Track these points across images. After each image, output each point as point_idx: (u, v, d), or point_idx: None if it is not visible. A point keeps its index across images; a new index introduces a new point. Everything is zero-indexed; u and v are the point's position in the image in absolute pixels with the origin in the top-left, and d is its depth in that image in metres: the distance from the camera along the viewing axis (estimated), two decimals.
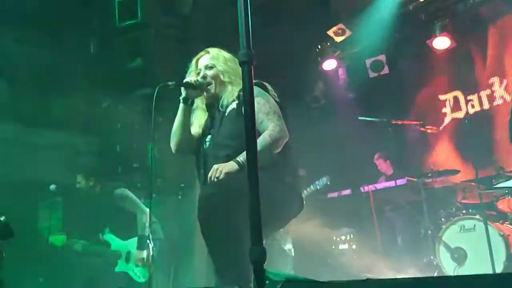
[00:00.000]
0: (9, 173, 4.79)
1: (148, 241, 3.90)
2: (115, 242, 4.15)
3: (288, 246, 3.94)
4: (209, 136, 2.28)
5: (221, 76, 2.29)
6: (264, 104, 2.14)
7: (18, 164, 5.02)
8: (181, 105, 2.31)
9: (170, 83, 2.29)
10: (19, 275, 4.30)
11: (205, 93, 2.32)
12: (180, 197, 4.14)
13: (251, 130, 1.46)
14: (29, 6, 4.58)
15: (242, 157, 2.02)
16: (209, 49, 2.38)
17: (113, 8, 4.38)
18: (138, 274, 3.94)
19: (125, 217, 4.13)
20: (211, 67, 2.32)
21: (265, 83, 2.25)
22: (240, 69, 2.21)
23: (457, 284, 0.86)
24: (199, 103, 2.38)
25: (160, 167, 4.56)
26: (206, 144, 2.28)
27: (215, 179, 2.01)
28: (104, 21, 4.64)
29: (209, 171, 2.12)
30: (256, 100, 2.00)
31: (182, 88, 2.28)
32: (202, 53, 2.38)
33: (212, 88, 2.30)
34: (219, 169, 2.02)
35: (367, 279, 1.05)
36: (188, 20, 4.72)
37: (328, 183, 4.24)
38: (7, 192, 4.38)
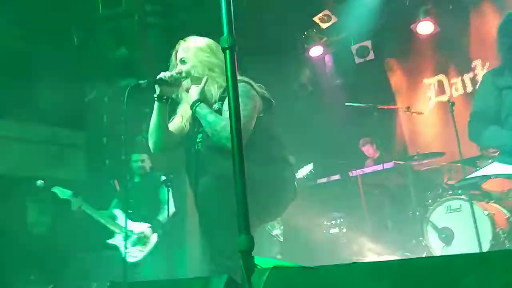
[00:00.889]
0: None
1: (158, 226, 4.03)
2: (120, 218, 4.15)
3: (276, 232, 3.98)
4: (200, 136, 2.16)
5: (192, 71, 2.17)
6: (241, 102, 2.10)
7: (3, 159, 4.95)
8: (156, 103, 2.18)
9: (141, 81, 2.15)
10: (9, 273, 4.28)
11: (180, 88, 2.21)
12: (169, 188, 4.14)
13: (235, 120, 1.44)
14: None
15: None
16: (183, 40, 2.24)
17: None
18: (132, 254, 3.94)
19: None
20: (184, 61, 2.20)
21: (249, 81, 2.13)
22: (219, 58, 2.19)
23: (441, 263, 0.89)
24: (185, 96, 2.25)
25: (149, 157, 4.53)
26: (198, 145, 2.16)
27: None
28: (86, 9, 4.54)
29: (202, 173, 2.07)
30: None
31: (156, 85, 2.16)
32: (177, 45, 2.25)
33: (188, 83, 2.19)
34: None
35: (354, 263, 1.07)
36: (173, 7, 4.64)
37: (312, 170, 4.27)
38: None
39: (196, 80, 2.18)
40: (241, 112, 1.43)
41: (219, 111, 2.10)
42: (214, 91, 2.16)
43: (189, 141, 2.24)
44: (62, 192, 4.02)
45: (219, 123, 2.01)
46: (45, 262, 4.63)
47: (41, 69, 5.04)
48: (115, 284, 1.85)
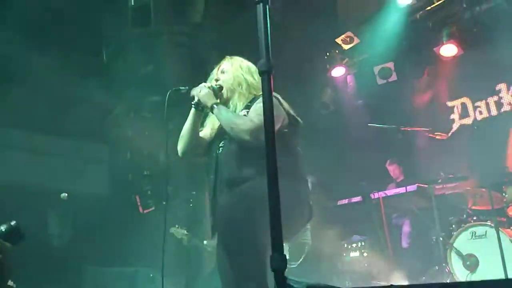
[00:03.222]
0: (18, 180, 4.84)
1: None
2: None
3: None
4: (222, 142, 2.27)
5: (231, 82, 2.30)
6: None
7: (28, 171, 5.07)
8: (192, 110, 2.31)
9: (182, 88, 2.32)
10: (28, 285, 4.33)
11: (218, 99, 2.33)
12: (191, 204, 4.17)
13: (270, 139, 1.48)
14: (41, 13, 4.65)
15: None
16: (230, 57, 2.41)
17: (126, 15, 4.44)
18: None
19: None
20: (223, 72, 2.36)
21: (277, 96, 2.22)
22: (255, 81, 2.30)
23: None
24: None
25: (171, 174, 4.58)
26: (219, 150, 2.26)
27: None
28: (116, 28, 4.70)
29: (220, 177, 2.14)
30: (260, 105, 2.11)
31: (198, 91, 2.27)
32: (223, 60, 2.42)
33: (224, 94, 2.32)
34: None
35: (391, 285, 1.06)
36: (200, 27, 4.77)
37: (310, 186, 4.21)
38: (17, 198, 4.42)
39: (230, 91, 2.31)
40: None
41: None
42: (239, 105, 2.28)
43: (213, 148, 2.33)
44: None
45: (236, 119, 2.13)
46: (64, 275, 4.67)
47: (69, 83, 5.20)
48: None
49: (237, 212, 2.00)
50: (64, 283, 4.60)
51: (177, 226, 4.22)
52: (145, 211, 4.84)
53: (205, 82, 2.35)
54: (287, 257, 3.97)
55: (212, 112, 2.21)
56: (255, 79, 2.29)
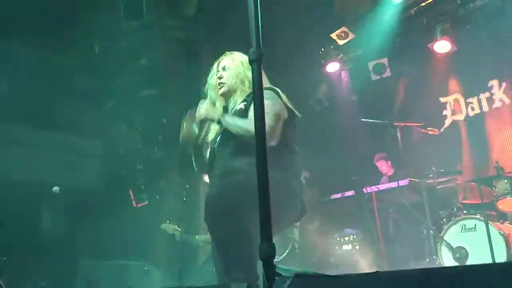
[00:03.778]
0: (11, 174, 4.81)
1: None
2: None
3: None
4: (219, 137, 2.30)
5: (234, 81, 2.32)
6: (267, 105, 2.18)
7: (20, 165, 5.05)
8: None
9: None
10: (21, 278, 4.32)
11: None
12: (184, 198, 4.18)
13: (260, 129, 1.49)
14: (33, 7, 4.62)
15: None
16: (230, 52, 2.43)
17: (118, 9, 4.41)
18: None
19: None
20: (224, 68, 2.37)
21: (276, 89, 2.26)
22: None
23: (466, 272, 0.91)
24: (218, 101, 2.40)
25: (164, 168, 4.59)
26: (215, 144, 2.30)
27: None
28: (109, 22, 4.67)
29: (217, 170, 2.16)
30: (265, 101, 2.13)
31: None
32: (223, 55, 2.44)
33: (225, 91, 2.35)
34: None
35: (377, 272, 1.09)
36: (193, 21, 4.76)
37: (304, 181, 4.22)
38: (9, 193, 4.40)
39: (231, 87, 2.34)
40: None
41: (244, 110, 2.24)
42: (239, 100, 2.32)
43: (213, 140, 2.36)
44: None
45: (244, 124, 2.14)
46: (57, 269, 4.67)
47: (61, 77, 5.17)
48: None
49: (226, 201, 2.01)
50: (57, 277, 4.60)
51: (168, 221, 4.24)
52: (138, 205, 4.84)
53: (198, 75, 2.38)
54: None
55: (221, 124, 2.25)
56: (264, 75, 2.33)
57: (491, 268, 0.93)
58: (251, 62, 1.54)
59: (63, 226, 5.21)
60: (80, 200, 4.93)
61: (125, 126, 5.50)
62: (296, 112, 2.29)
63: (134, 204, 4.85)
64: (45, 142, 5.45)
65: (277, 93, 2.23)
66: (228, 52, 2.43)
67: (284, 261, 3.89)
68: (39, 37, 4.95)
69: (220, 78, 2.35)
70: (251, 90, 2.27)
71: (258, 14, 1.56)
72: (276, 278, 1.32)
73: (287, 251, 3.92)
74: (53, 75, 5.19)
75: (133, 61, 4.96)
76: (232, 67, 2.35)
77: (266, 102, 2.18)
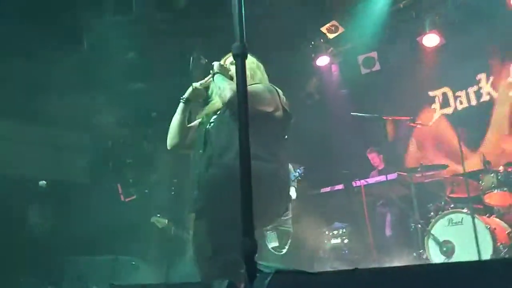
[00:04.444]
0: None
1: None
2: None
3: (273, 244, 3.93)
4: (214, 117, 2.31)
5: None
6: (263, 89, 2.20)
7: (7, 160, 4.98)
8: (181, 105, 2.39)
9: (202, 58, 2.36)
10: (8, 273, 4.28)
11: None
12: (173, 193, 4.16)
13: (244, 123, 1.47)
14: None
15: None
16: None
17: (107, 2, 4.34)
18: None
19: None
20: (233, 63, 2.37)
21: (278, 90, 2.27)
22: (262, 76, 2.34)
23: (443, 270, 0.90)
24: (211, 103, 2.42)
25: (153, 162, 4.56)
26: (210, 125, 2.29)
27: None
28: (98, 15, 4.60)
29: (209, 151, 2.17)
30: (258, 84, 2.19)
31: (190, 89, 2.39)
32: (229, 53, 2.37)
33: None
34: None
35: (356, 269, 1.08)
36: (183, 14, 4.70)
37: (302, 174, 4.23)
38: None
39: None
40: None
41: None
42: None
43: (204, 124, 2.37)
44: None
45: (227, 86, 2.15)
46: (44, 264, 4.63)
47: (49, 70, 5.09)
48: (115, 286, 1.86)
49: (223, 182, 2.00)
50: (44, 272, 4.56)
51: (158, 215, 4.22)
52: (126, 200, 4.81)
53: (188, 69, 2.36)
54: (276, 244, 3.98)
55: (213, 79, 2.27)
56: (262, 74, 2.36)
57: (471, 266, 0.93)
58: (234, 56, 1.52)
59: (50, 221, 5.16)
60: (68, 194, 4.88)
61: (113, 120, 5.44)
62: (291, 115, 2.30)
63: (122, 198, 4.82)
64: (32, 136, 5.37)
65: (276, 90, 2.25)
66: None
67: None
68: (25, 29, 4.85)
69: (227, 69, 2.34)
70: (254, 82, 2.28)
71: (241, 7, 1.54)
72: (257, 274, 1.31)
73: (289, 242, 3.94)
74: (41, 68, 5.10)
75: (122, 54, 4.89)
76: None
77: (262, 86, 2.22)
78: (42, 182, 3.98)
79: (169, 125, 2.43)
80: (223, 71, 2.28)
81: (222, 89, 2.14)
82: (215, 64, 2.30)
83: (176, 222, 4.15)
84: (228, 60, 2.40)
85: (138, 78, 4.86)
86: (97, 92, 5.48)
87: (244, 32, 1.54)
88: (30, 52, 4.98)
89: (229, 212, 1.90)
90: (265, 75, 2.38)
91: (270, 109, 2.19)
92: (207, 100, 2.43)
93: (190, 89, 2.40)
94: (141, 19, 4.60)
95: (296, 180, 4.09)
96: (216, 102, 2.39)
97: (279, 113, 2.22)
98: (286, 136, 2.32)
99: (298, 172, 4.16)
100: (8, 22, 4.56)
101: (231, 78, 2.25)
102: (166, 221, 4.22)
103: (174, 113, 2.41)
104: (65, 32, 4.95)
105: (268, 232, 3.89)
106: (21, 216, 5.05)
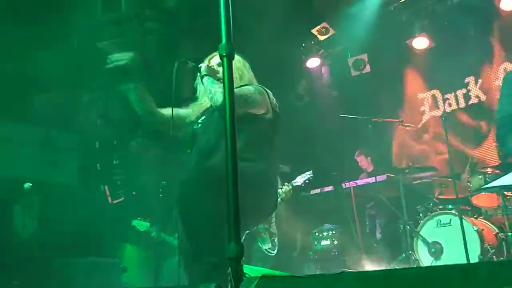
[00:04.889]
0: None
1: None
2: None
3: (267, 246, 3.92)
4: (201, 118, 2.29)
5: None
6: (254, 91, 2.17)
7: None
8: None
9: (189, 62, 2.30)
10: None
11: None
12: (161, 195, 4.11)
13: (231, 126, 1.46)
14: None
15: None
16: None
17: (96, 0, 4.30)
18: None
19: None
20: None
21: (267, 90, 2.26)
22: (249, 74, 2.32)
23: (428, 274, 0.90)
24: (204, 94, 2.38)
25: (141, 164, 4.51)
26: (198, 125, 2.28)
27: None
28: (86, 13, 4.54)
29: (195, 150, 2.16)
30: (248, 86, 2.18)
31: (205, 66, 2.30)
32: (214, 53, 2.40)
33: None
34: None
35: (342, 272, 1.07)
36: (172, 13, 4.67)
37: (311, 178, 4.21)
38: None
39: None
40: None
41: None
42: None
43: (191, 124, 2.35)
44: (141, 226, 4.15)
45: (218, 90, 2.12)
46: (29, 267, 4.55)
47: (37, 69, 5.02)
48: None
49: (209, 185, 1.97)
50: (30, 275, 4.48)
51: (139, 218, 4.16)
52: (114, 201, 4.76)
53: (176, 69, 2.32)
54: (270, 245, 3.93)
55: (202, 81, 2.23)
56: (249, 72, 2.35)
57: (452, 270, 0.92)
58: (221, 57, 1.50)
59: (36, 222, 5.08)
60: (54, 196, 4.80)
61: (101, 120, 5.37)
62: (279, 116, 2.29)
63: (110, 200, 4.77)
64: (17, 136, 5.28)
65: (266, 92, 2.25)
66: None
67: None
68: (13, 26, 4.78)
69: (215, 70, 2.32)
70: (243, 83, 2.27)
71: (229, 7, 1.53)
72: (243, 278, 1.30)
73: (276, 245, 3.92)
74: (28, 67, 5.02)
75: (110, 54, 4.83)
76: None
77: (252, 88, 2.21)
78: (27, 185, 3.90)
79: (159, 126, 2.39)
80: (211, 72, 2.25)
81: (213, 93, 2.11)
82: (202, 66, 2.26)
83: (158, 225, 4.09)
84: (213, 60, 2.38)
85: (126, 78, 4.80)
86: (85, 91, 5.42)
87: (231, 32, 1.52)
88: (19, 50, 4.90)
89: (213, 215, 1.90)
90: (251, 73, 2.37)
91: (261, 111, 2.19)
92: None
93: (204, 66, 2.29)
94: (131, 18, 4.56)
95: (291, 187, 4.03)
96: (203, 103, 2.37)
97: (269, 115, 2.22)
98: (275, 140, 2.31)
99: (308, 177, 4.13)
100: None
101: (219, 80, 2.22)
102: (148, 224, 4.16)
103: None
104: (53, 31, 4.89)
105: (262, 234, 3.88)
106: (6, 217, 4.96)
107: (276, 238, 3.92)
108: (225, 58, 1.49)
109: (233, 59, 1.52)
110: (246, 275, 1.28)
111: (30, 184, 3.88)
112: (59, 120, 5.32)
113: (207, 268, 1.88)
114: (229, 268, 1.31)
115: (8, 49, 4.79)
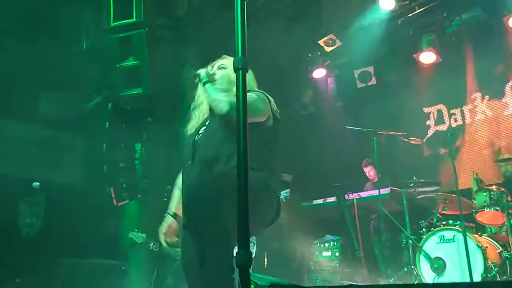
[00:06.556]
0: None
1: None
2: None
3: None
4: (202, 129, 2.28)
5: (223, 79, 2.31)
6: (256, 99, 2.19)
7: (1, 159, 4.93)
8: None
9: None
10: None
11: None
12: (165, 199, 4.12)
13: (242, 135, 1.48)
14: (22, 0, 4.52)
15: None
16: (228, 55, 2.41)
17: (108, 6, 4.36)
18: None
19: None
20: (221, 67, 2.37)
21: (268, 96, 2.26)
22: (249, 79, 2.34)
23: None
24: (204, 99, 2.37)
25: (147, 168, 4.53)
26: (198, 136, 2.27)
27: None
28: (98, 19, 4.61)
29: (196, 161, 2.16)
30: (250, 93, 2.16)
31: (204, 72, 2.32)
32: (221, 58, 2.42)
33: (219, 87, 2.30)
34: None
35: (350, 285, 1.08)
36: (182, 22, 4.73)
37: (288, 197, 4.23)
38: None
39: (217, 85, 2.30)
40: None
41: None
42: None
43: (191, 135, 2.33)
44: (137, 238, 4.20)
45: (223, 99, 2.12)
46: (34, 266, 4.57)
47: (47, 70, 5.07)
48: None
49: (213, 194, 1.97)
50: (33, 274, 4.49)
51: (136, 230, 4.20)
52: (119, 204, 4.77)
53: (185, 75, 2.35)
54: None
55: (204, 87, 2.24)
56: (253, 80, 2.35)
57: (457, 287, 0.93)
58: (236, 70, 1.54)
59: (41, 222, 5.10)
60: (60, 196, 4.82)
61: (109, 123, 5.41)
62: (279, 122, 2.28)
63: (115, 203, 4.78)
64: (26, 136, 5.33)
65: (267, 97, 2.24)
66: (226, 56, 2.42)
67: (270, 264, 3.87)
68: (26, 30, 4.85)
69: (214, 74, 2.33)
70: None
71: (244, 21, 1.56)
72: (252, 286, 1.31)
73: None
74: (38, 67, 5.08)
75: (120, 59, 4.89)
76: (228, 67, 2.33)
77: (255, 96, 2.23)
78: (36, 184, 3.93)
79: (163, 130, 2.41)
80: (210, 79, 2.27)
81: (218, 101, 2.10)
82: (201, 73, 2.27)
83: (154, 237, 4.08)
84: (218, 63, 2.39)
85: (135, 83, 4.85)
86: (94, 95, 5.47)
87: (246, 46, 1.56)
88: (28, 50, 4.96)
89: (217, 224, 1.91)
90: (255, 81, 2.37)
91: (262, 119, 2.19)
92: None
93: (203, 72, 2.30)
94: (141, 24, 4.61)
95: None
96: (202, 111, 2.38)
97: (270, 122, 2.22)
98: (276, 146, 2.31)
99: (284, 195, 4.15)
100: (7, 24, 4.55)
101: (214, 81, 2.26)
102: (144, 235, 4.18)
103: (169, 119, 2.38)
104: (64, 34, 4.95)
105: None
106: (12, 217, 4.98)
107: (254, 248, 3.91)
108: (240, 71, 1.53)
109: (247, 72, 1.55)
110: (254, 283, 1.29)
111: (38, 183, 3.90)
112: (68, 121, 5.37)
113: (211, 276, 1.88)
114: (237, 275, 1.33)
115: (16, 47, 4.85)
